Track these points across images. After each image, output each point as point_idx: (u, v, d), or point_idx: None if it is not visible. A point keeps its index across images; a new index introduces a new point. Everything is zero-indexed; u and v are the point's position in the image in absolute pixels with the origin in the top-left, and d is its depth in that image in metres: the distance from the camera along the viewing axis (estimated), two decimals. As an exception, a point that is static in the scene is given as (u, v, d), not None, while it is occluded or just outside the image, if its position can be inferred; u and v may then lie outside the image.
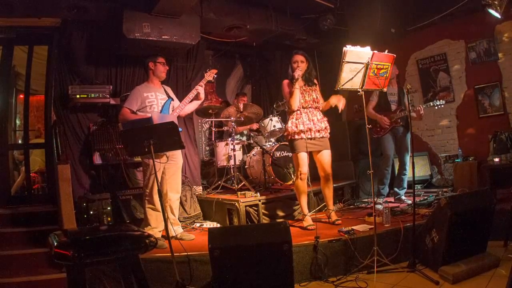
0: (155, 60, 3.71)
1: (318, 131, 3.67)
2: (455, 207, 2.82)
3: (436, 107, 4.27)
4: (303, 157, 3.64)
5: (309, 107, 3.70)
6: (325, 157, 3.72)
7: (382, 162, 4.65)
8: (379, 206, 4.07)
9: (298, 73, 3.61)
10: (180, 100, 3.84)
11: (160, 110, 3.63)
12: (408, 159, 4.53)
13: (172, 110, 3.73)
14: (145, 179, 3.56)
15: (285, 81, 3.78)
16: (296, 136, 3.63)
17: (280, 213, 4.22)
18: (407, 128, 4.49)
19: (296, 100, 3.63)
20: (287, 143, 3.97)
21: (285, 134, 3.78)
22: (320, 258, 3.02)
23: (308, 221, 3.70)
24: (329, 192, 3.82)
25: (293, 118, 3.71)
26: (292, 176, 4.59)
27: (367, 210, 4.36)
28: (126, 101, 3.62)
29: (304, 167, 3.66)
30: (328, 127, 3.77)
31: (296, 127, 3.64)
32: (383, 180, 4.61)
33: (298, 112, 3.68)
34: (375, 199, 4.41)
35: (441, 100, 4.24)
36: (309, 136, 3.62)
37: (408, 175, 4.57)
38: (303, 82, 3.72)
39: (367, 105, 4.54)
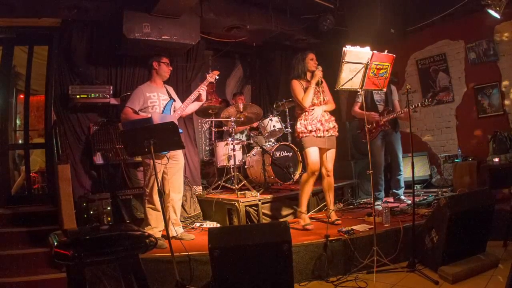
0: (159, 60, 3.71)
1: (327, 130, 3.70)
2: (454, 207, 2.82)
3: (423, 106, 4.21)
4: (314, 153, 3.64)
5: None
6: (331, 155, 3.77)
7: (374, 171, 4.46)
8: (378, 207, 4.07)
9: (320, 73, 3.64)
10: (181, 101, 3.85)
11: (161, 111, 3.63)
12: (401, 159, 4.50)
13: (174, 111, 3.74)
14: (146, 179, 3.57)
15: (295, 81, 3.77)
16: (307, 134, 3.66)
17: (280, 213, 4.23)
18: (396, 130, 4.46)
19: (310, 97, 3.66)
20: (298, 143, 3.92)
21: (295, 135, 3.79)
22: (325, 256, 3.04)
23: (305, 220, 3.71)
24: (330, 192, 3.82)
25: (301, 119, 3.73)
26: (292, 176, 4.60)
27: (366, 210, 4.36)
28: (128, 101, 3.62)
29: (317, 165, 3.65)
30: (337, 126, 3.80)
31: (305, 128, 3.67)
32: (377, 187, 4.50)
33: (306, 112, 3.71)
34: (375, 203, 4.40)
35: (428, 100, 4.18)
36: (319, 135, 3.66)
37: (403, 175, 4.56)
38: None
39: (353, 106, 4.55)
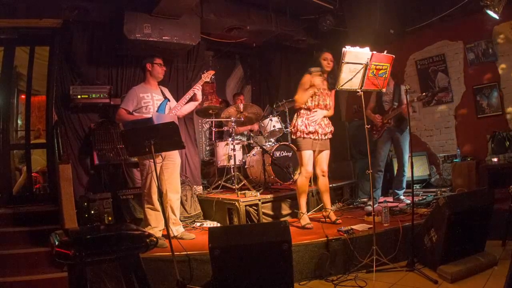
0: (152, 61, 3.69)
1: (325, 134, 3.75)
2: (453, 206, 2.84)
3: (419, 100, 4.27)
4: (309, 155, 3.67)
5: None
6: (325, 156, 3.80)
7: (373, 166, 4.51)
8: (369, 208, 4.09)
9: (319, 81, 3.63)
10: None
11: (156, 111, 3.62)
12: (406, 159, 4.51)
13: (169, 111, 3.73)
14: (143, 179, 3.57)
15: (307, 75, 3.71)
16: (305, 135, 3.66)
17: (280, 213, 4.24)
18: (402, 129, 4.48)
19: (303, 98, 3.67)
20: (293, 140, 3.91)
21: (293, 131, 3.76)
22: (325, 255, 3.06)
23: (305, 220, 3.72)
24: (327, 192, 3.86)
25: (302, 117, 3.72)
26: (292, 176, 4.61)
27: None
28: (122, 102, 3.62)
29: (310, 166, 3.69)
30: (333, 130, 3.83)
31: (306, 127, 3.67)
32: (374, 184, 4.45)
33: (309, 112, 3.72)
34: (367, 202, 4.42)
35: (427, 95, 4.24)
36: (316, 137, 3.69)
37: (407, 176, 4.58)
38: (327, 84, 3.73)
39: (366, 106, 4.54)
